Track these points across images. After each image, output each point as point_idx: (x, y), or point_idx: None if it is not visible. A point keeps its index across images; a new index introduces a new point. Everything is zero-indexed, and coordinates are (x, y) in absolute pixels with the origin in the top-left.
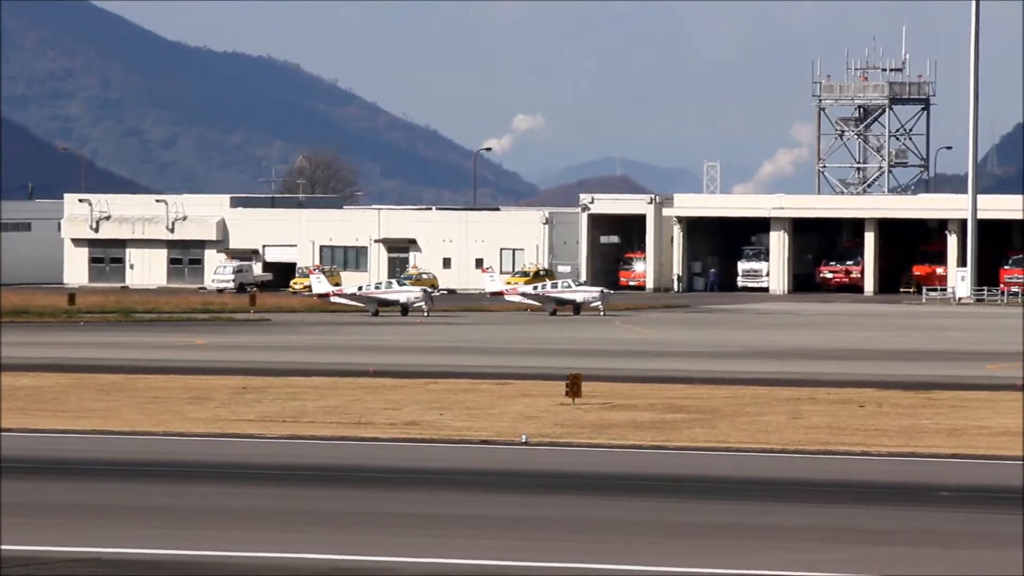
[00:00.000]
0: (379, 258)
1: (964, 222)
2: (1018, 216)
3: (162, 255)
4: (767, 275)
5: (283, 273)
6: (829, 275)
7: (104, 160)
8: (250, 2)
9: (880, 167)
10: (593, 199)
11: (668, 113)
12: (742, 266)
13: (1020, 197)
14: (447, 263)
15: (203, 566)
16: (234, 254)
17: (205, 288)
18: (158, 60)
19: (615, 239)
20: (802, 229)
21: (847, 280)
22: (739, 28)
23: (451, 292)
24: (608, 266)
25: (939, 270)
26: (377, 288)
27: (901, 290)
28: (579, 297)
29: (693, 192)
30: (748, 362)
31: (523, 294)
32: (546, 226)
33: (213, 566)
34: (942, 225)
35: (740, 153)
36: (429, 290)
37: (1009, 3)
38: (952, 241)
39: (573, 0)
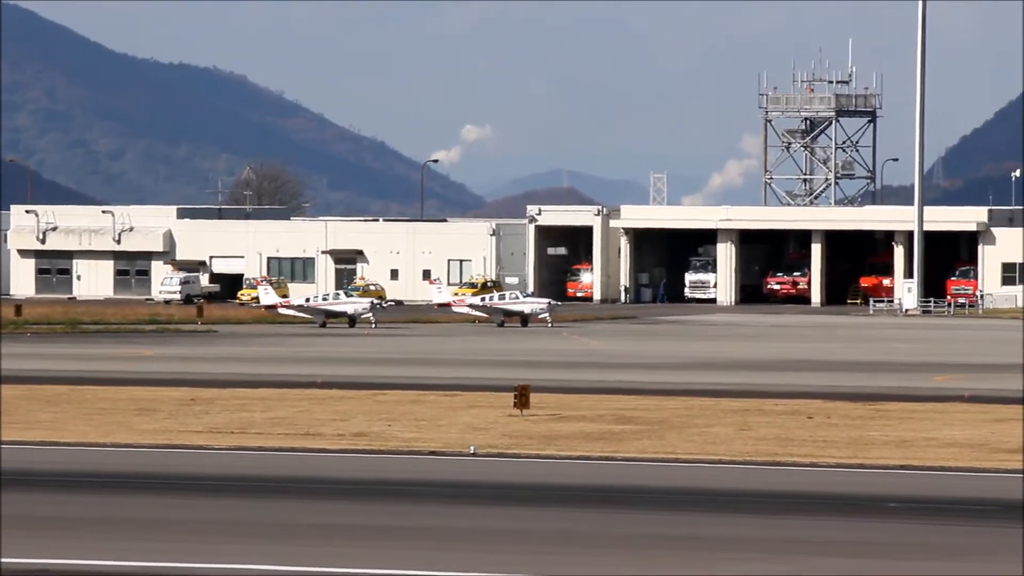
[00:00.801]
0: (326, 269)
1: (911, 234)
2: (964, 227)
3: (109, 266)
4: (714, 286)
5: (230, 284)
6: (776, 286)
7: (51, 171)
8: (198, 3)
9: (827, 179)
10: (540, 211)
11: (616, 125)
12: (689, 277)
13: (966, 209)
14: (394, 274)
15: None
16: (181, 265)
17: (152, 299)
18: (105, 72)
19: (562, 251)
20: (749, 240)
21: (794, 291)
22: (688, 40)
23: (399, 303)
24: (555, 277)
25: (886, 281)
26: (324, 300)
27: (848, 301)
28: (527, 308)
29: (640, 204)
30: (696, 373)
31: (471, 305)
32: (493, 237)
33: None
34: (889, 236)
35: (689, 165)
36: (376, 302)
37: (956, 14)
38: (899, 252)
39: (521, 1)
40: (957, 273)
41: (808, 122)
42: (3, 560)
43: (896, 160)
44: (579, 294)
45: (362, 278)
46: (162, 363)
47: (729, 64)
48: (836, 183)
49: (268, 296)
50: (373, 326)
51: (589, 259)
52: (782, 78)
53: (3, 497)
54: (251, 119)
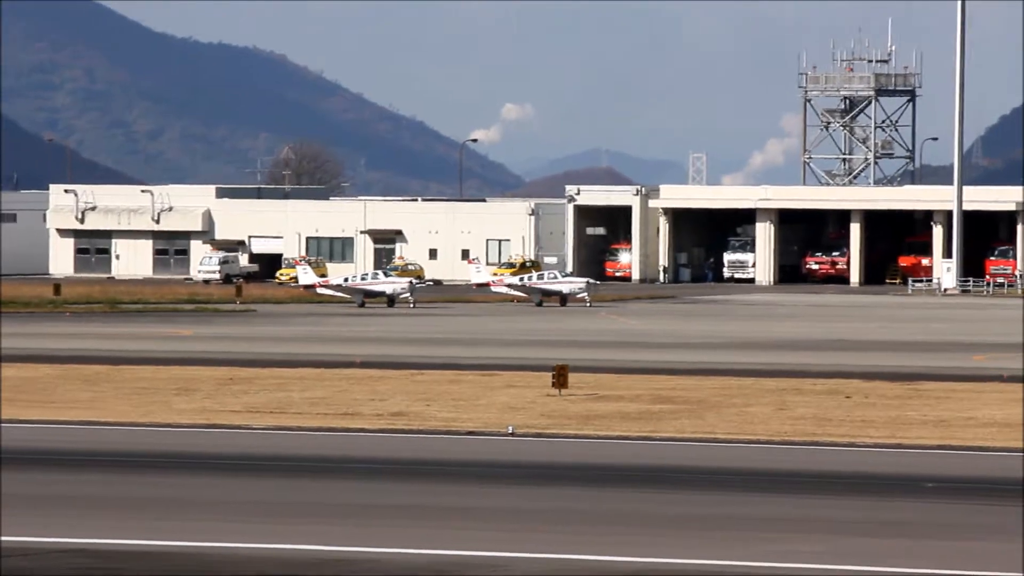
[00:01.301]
0: (365, 249)
1: (950, 213)
2: (1003, 207)
3: (148, 246)
4: (753, 266)
5: (269, 264)
6: (815, 266)
7: (90, 151)
8: None
9: (866, 158)
10: (579, 190)
11: (657, 104)
12: (728, 257)
13: (1006, 188)
14: (433, 254)
15: (190, 557)
16: (220, 245)
17: (191, 279)
18: (144, 52)
19: (601, 230)
20: (788, 220)
21: (833, 271)
22: (727, 19)
23: (437, 283)
24: (594, 257)
25: (925, 261)
26: (363, 279)
27: (887, 281)
28: (565, 288)
29: (679, 184)
30: (734, 353)
31: (509, 285)
32: (532, 217)
33: (200, 557)
34: (928, 216)
35: (728, 144)
36: (415, 281)
37: None
38: (938, 232)
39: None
40: (996, 253)
41: (847, 101)
42: (33, 539)
43: (935, 139)
44: (617, 274)
45: (401, 258)
46: (201, 343)
47: (769, 43)
48: (875, 162)
49: (307, 276)
50: (412, 306)
51: (628, 239)
52: (822, 57)
53: (42, 477)
54: (290, 99)
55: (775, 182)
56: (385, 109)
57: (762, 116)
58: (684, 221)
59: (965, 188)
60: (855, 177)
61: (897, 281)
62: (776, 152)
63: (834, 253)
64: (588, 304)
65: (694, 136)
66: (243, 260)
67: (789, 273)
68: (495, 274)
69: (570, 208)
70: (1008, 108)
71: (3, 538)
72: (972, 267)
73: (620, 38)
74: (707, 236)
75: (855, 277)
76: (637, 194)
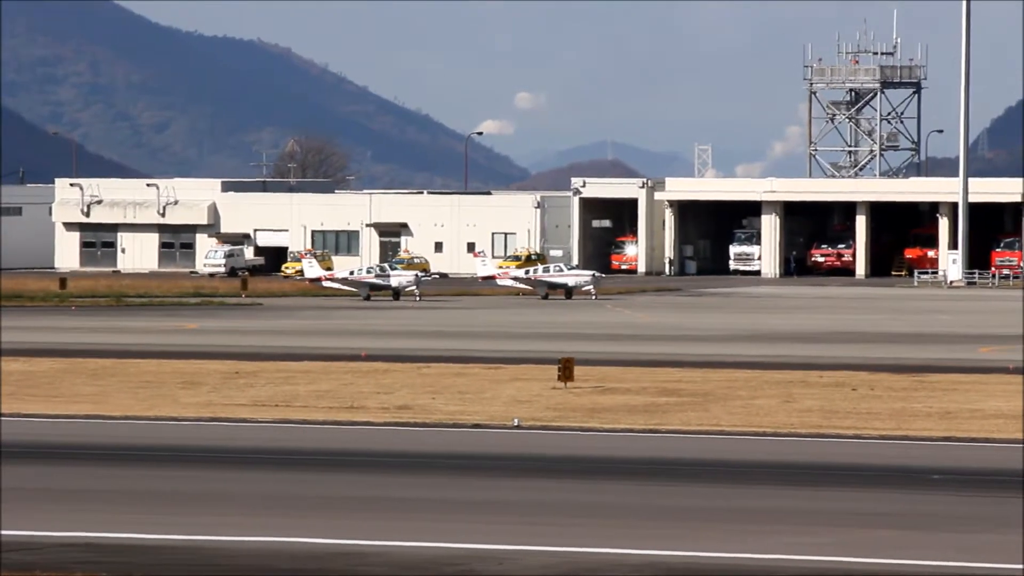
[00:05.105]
0: (371, 242)
1: (955, 205)
2: (1009, 199)
3: (153, 239)
4: (759, 258)
5: (274, 257)
6: (821, 258)
7: (95, 145)
8: None
9: (871, 150)
10: (585, 183)
11: (663, 97)
12: (734, 250)
13: (1011, 180)
14: (439, 247)
15: (196, 550)
16: (225, 238)
17: (196, 272)
18: (149, 45)
19: (607, 223)
20: (794, 212)
21: (839, 263)
22: (735, 12)
23: (443, 276)
24: (600, 250)
25: (930, 253)
26: (369, 272)
27: (892, 273)
28: (571, 281)
29: (685, 176)
30: (740, 345)
31: (515, 278)
32: (538, 210)
33: (206, 550)
34: (933, 208)
35: (738, 136)
36: (421, 274)
37: None
38: (943, 224)
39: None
40: (1002, 244)
41: (853, 93)
42: (38, 533)
43: (941, 132)
44: (623, 266)
45: (406, 251)
46: (206, 336)
47: (777, 36)
48: (881, 155)
49: (312, 269)
50: (417, 299)
51: (634, 231)
52: (827, 49)
53: (47, 471)
54: (295, 92)
55: (781, 175)
56: (390, 102)
57: (779, 106)
58: (690, 214)
59: (970, 180)
60: (860, 169)
61: (903, 273)
62: (797, 141)
63: (840, 245)
64: (594, 297)
65: (705, 128)
66: (248, 253)
67: (795, 265)
68: (501, 267)
69: (576, 201)
70: (1014, 100)
71: (4, 532)
72: (978, 259)
73: (627, 29)
74: (713, 229)
75: (861, 269)
76: (643, 187)
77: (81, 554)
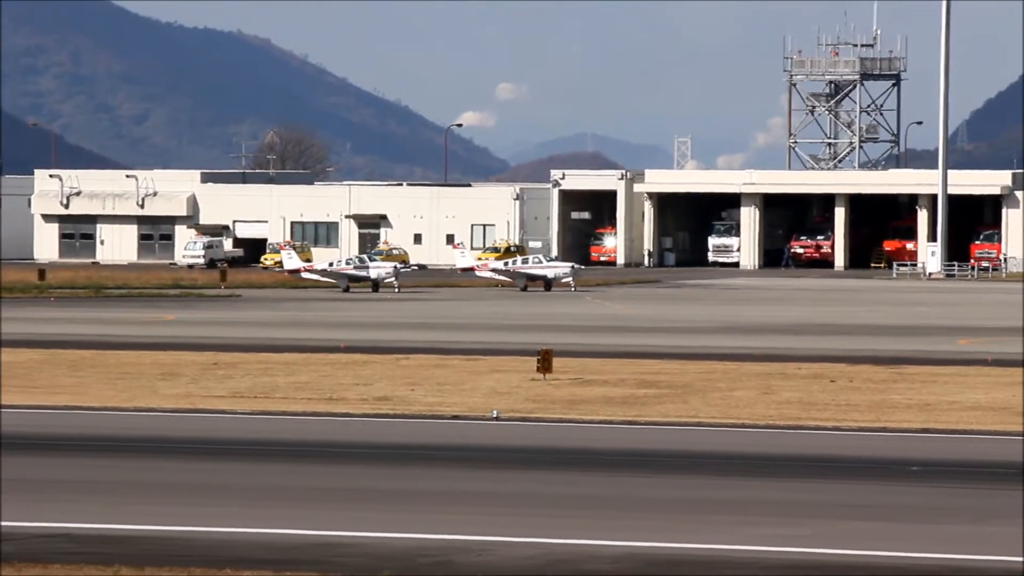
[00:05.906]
0: (350, 234)
1: (934, 197)
2: (988, 191)
3: (133, 231)
4: (738, 250)
5: (254, 249)
6: (800, 250)
7: (75, 136)
8: None
9: (851, 142)
10: (564, 175)
11: (649, 87)
12: (713, 241)
13: (990, 172)
14: (418, 239)
15: (175, 542)
16: (204, 230)
17: (176, 264)
18: (129, 36)
19: (586, 215)
20: (773, 204)
21: (818, 255)
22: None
23: (422, 268)
24: (579, 241)
25: (909, 245)
26: (348, 264)
27: (872, 265)
28: (550, 273)
29: (665, 168)
30: (719, 337)
31: (494, 270)
32: (517, 202)
33: (185, 542)
34: (912, 200)
35: (719, 128)
36: (400, 266)
37: None
38: (922, 216)
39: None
40: (981, 237)
41: (832, 85)
42: (17, 523)
43: (920, 123)
44: (602, 258)
45: (385, 242)
46: (185, 327)
47: (760, 28)
48: (860, 147)
49: (291, 260)
50: (396, 290)
51: (613, 223)
52: (807, 41)
53: (25, 462)
54: (275, 83)
55: (762, 166)
56: (370, 94)
57: (762, 98)
58: (669, 205)
59: (950, 172)
60: (840, 161)
61: (882, 265)
62: (780, 132)
63: (819, 237)
64: (573, 288)
65: (687, 120)
66: (228, 245)
67: (774, 257)
68: (480, 259)
69: (555, 193)
70: (994, 91)
71: None
72: (957, 251)
73: (608, 21)
74: (692, 220)
75: (840, 261)
76: (622, 179)
77: (60, 544)
